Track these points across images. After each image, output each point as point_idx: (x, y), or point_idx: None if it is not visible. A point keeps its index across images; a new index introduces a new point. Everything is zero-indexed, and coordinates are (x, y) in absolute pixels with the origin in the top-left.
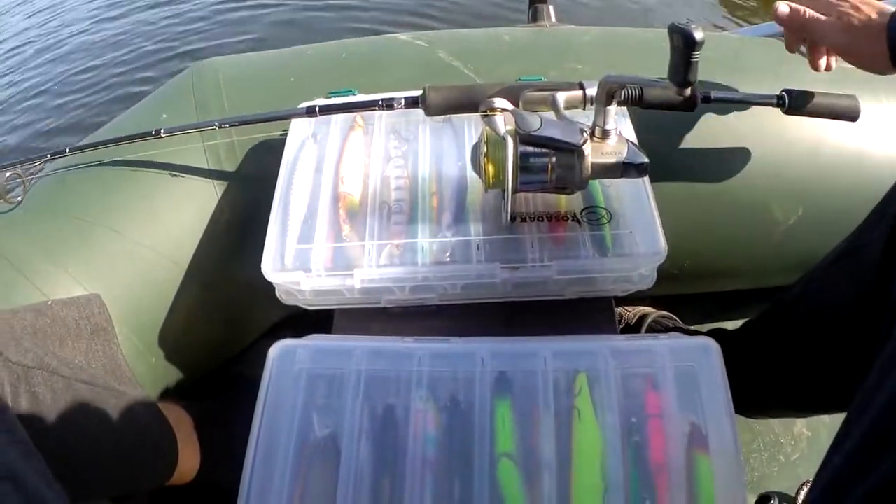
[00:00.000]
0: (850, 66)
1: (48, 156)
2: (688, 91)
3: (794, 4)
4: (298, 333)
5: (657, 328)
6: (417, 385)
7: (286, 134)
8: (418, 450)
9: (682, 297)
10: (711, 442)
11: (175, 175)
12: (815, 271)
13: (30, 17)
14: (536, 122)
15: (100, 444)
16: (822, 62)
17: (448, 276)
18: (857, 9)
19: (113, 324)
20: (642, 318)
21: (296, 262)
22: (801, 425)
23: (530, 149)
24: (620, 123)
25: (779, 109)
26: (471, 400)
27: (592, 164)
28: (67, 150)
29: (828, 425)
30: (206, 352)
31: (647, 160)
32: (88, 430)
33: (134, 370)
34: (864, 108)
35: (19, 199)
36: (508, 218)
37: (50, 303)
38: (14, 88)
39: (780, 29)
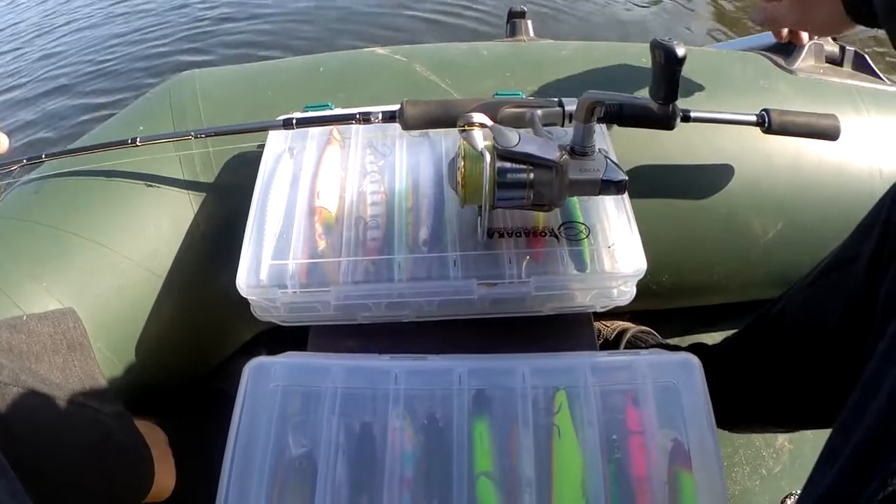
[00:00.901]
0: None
1: (24, 161)
2: (668, 108)
3: (760, 5)
4: (274, 349)
5: (636, 343)
6: (394, 403)
7: (262, 147)
8: (396, 468)
9: (662, 311)
10: (693, 458)
11: (151, 185)
12: (801, 283)
13: (14, 22)
14: (515, 137)
15: (76, 461)
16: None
17: (424, 292)
18: None
19: (89, 338)
20: (621, 333)
21: (271, 278)
22: (782, 439)
23: (508, 164)
24: (600, 140)
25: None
26: (449, 418)
27: (570, 180)
28: (44, 157)
29: (810, 439)
30: (180, 367)
31: (625, 178)
32: (64, 449)
33: (109, 385)
34: (844, 121)
35: None
36: (484, 234)
37: (25, 318)
38: None
39: (760, 42)
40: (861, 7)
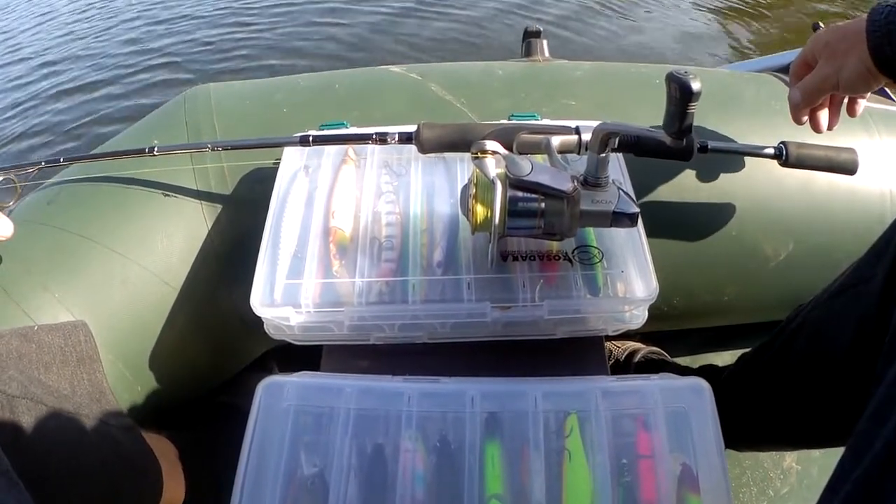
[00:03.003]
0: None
1: (42, 163)
2: (683, 141)
3: (798, 86)
4: (286, 366)
5: (647, 364)
6: (407, 424)
7: (277, 164)
8: (407, 490)
9: (672, 332)
10: (702, 482)
11: (168, 195)
12: (815, 304)
13: (39, 25)
14: (527, 166)
15: (84, 472)
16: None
17: (438, 314)
18: (833, 41)
19: (99, 353)
20: (632, 353)
21: (285, 297)
22: (790, 460)
23: (519, 193)
24: (615, 167)
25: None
26: (460, 440)
27: (582, 211)
28: (62, 160)
29: (818, 460)
30: (191, 381)
31: (637, 210)
32: (73, 460)
33: (119, 397)
34: (858, 144)
35: (10, 204)
36: (493, 262)
37: (36, 328)
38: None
39: (772, 63)
40: (892, 59)
